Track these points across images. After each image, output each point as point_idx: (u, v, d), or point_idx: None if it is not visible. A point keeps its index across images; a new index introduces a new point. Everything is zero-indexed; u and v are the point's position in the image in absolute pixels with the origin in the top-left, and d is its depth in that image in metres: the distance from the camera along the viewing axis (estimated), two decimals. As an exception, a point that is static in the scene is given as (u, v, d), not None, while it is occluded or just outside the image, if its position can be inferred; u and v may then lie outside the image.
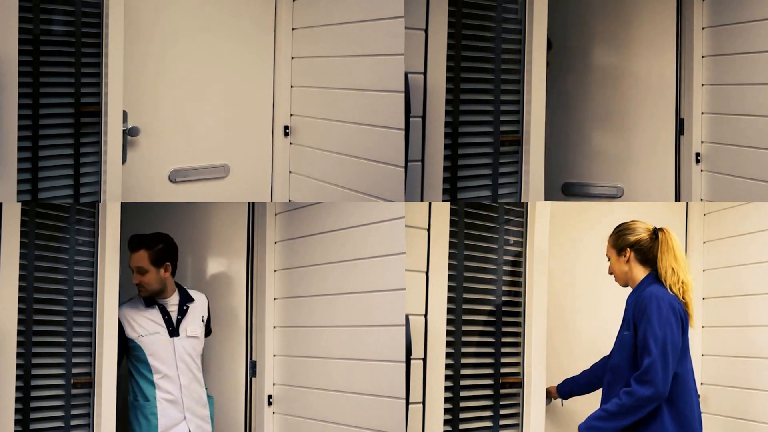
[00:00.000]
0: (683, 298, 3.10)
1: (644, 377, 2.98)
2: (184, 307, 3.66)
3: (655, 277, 3.15)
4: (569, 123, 4.02)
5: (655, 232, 3.21)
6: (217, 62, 4.02)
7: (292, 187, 4.24)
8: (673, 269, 3.12)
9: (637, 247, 3.19)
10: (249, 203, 4.04)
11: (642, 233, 3.21)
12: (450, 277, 3.28)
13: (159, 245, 3.57)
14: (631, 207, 3.77)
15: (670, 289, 3.10)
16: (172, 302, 3.64)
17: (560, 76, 3.99)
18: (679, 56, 4.12)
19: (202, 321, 3.72)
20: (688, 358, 3.10)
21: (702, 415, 3.90)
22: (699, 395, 3.15)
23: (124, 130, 3.65)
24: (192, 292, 3.73)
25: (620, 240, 3.23)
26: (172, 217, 3.82)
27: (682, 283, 3.11)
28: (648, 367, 2.98)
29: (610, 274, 3.29)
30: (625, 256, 3.20)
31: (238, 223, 4.02)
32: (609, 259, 3.29)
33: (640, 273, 3.18)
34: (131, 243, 3.57)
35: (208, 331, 3.80)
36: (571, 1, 3.99)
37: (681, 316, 3.04)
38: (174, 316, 3.63)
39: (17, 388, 3.07)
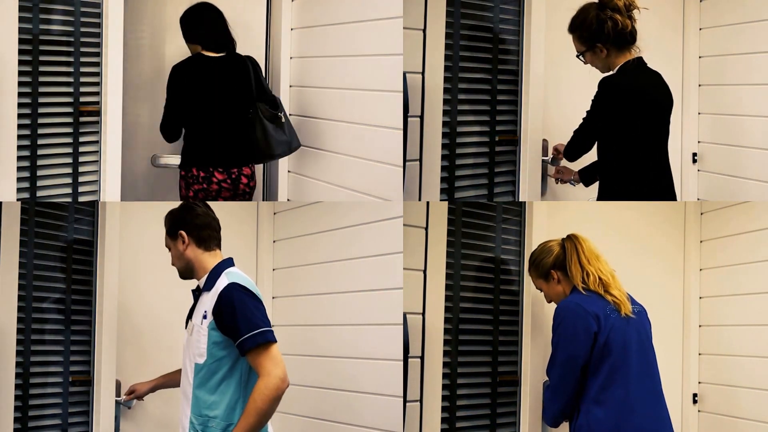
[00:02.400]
0: (606, 293, 3.06)
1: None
2: (199, 294, 2.93)
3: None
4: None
5: (563, 243, 3.19)
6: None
7: (291, 187, 4.24)
8: (587, 271, 3.09)
9: (558, 265, 3.16)
10: (257, 203, 4.05)
11: (556, 249, 3.18)
12: (448, 276, 3.29)
13: (169, 216, 2.99)
14: (630, 207, 3.76)
15: (590, 291, 3.07)
16: (200, 286, 2.94)
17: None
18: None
19: (203, 316, 2.81)
20: (631, 348, 3.02)
21: (699, 413, 3.93)
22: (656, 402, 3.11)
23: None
24: (227, 274, 2.85)
25: (541, 266, 3.20)
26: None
27: (600, 280, 3.08)
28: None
29: (550, 302, 3.27)
30: (554, 278, 3.18)
31: (245, 222, 4.04)
32: (541, 290, 3.27)
33: (569, 288, 3.17)
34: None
35: (232, 335, 2.74)
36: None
37: (594, 331, 2.98)
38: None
39: (16, 386, 3.08)
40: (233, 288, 2.77)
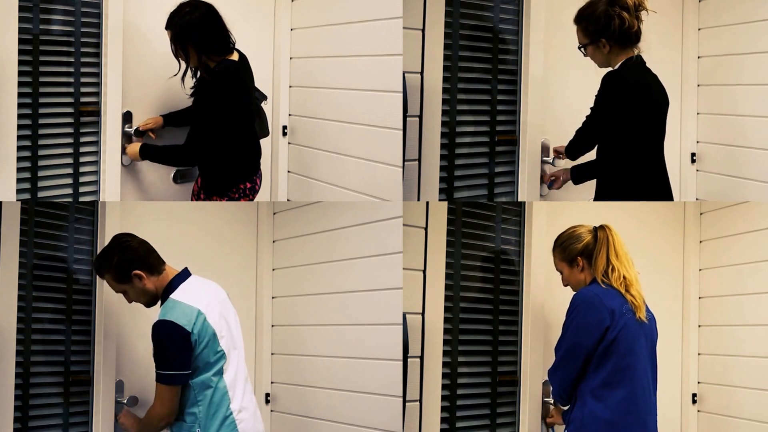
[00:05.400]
0: (626, 292, 3.07)
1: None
2: None
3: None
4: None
5: (595, 231, 3.19)
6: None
7: (291, 187, 4.25)
8: (613, 266, 3.09)
9: (586, 253, 3.16)
10: (257, 203, 4.05)
11: (586, 237, 3.17)
12: (447, 276, 3.29)
13: (114, 259, 3.03)
14: (629, 207, 3.78)
15: (611, 286, 3.07)
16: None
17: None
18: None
19: None
20: (638, 352, 3.03)
21: (698, 413, 3.94)
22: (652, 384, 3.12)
23: (128, 131, 3.65)
24: (167, 303, 3.02)
25: (568, 251, 3.19)
26: (177, 216, 3.81)
27: (624, 278, 3.08)
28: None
29: (566, 285, 3.26)
30: (578, 265, 3.17)
31: (245, 222, 4.04)
32: (561, 273, 3.25)
33: (590, 277, 3.17)
34: (96, 269, 3.15)
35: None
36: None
37: (606, 325, 2.99)
38: None
39: (16, 386, 3.08)
40: (157, 327, 2.95)
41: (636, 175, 3.28)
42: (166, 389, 2.95)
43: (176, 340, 2.92)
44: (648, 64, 3.31)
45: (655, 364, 3.14)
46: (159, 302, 3.08)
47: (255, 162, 3.62)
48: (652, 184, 3.34)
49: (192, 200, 3.65)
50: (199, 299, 3.02)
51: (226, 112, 3.40)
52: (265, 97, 3.90)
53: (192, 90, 3.47)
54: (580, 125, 3.47)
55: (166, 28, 3.40)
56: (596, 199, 3.42)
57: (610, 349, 2.99)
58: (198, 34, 3.35)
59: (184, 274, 3.11)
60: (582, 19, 3.28)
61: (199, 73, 3.46)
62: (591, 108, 3.34)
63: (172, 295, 3.02)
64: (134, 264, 3.03)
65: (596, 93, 3.29)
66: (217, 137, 3.42)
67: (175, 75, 3.46)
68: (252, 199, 3.61)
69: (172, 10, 3.39)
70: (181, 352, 2.93)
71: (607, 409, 2.98)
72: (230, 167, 3.52)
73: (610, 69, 3.29)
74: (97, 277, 3.35)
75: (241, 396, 3.06)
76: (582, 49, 3.31)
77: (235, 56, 3.47)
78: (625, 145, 3.24)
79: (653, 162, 3.32)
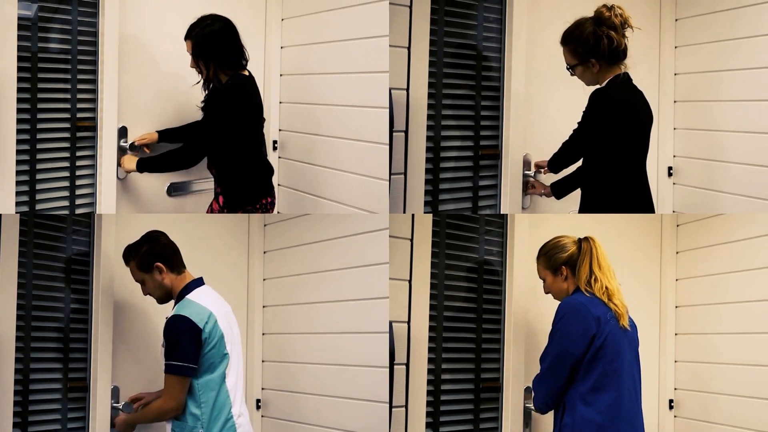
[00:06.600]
0: (609, 301, 3.06)
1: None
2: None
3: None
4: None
5: (579, 242, 3.20)
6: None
7: (281, 199, 4.27)
8: (596, 277, 3.09)
9: (570, 263, 3.14)
10: (248, 215, 4.07)
11: (571, 247, 3.16)
12: (432, 286, 3.31)
13: (143, 248, 3.19)
14: (608, 219, 3.81)
15: (594, 295, 3.06)
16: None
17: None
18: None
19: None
20: (623, 358, 3.03)
21: (675, 419, 3.98)
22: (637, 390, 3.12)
23: (123, 146, 3.69)
24: (182, 302, 3.15)
25: (553, 260, 3.17)
26: (170, 228, 3.84)
27: (606, 288, 3.08)
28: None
29: (548, 293, 3.25)
30: (562, 274, 3.16)
31: (236, 234, 4.08)
32: (544, 281, 3.23)
33: (573, 286, 3.16)
34: (123, 256, 3.25)
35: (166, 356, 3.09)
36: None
37: (593, 333, 2.98)
38: None
39: (16, 392, 3.10)
40: (171, 320, 3.07)
41: (621, 188, 3.31)
42: (175, 380, 3.04)
43: (188, 334, 3.04)
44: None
45: (639, 369, 3.14)
46: (173, 302, 3.20)
47: (270, 178, 3.72)
48: (635, 198, 3.36)
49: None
50: (211, 303, 3.15)
51: (235, 125, 3.46)
52: (263, 120, 3.97)
53: (203, 102, 3.53)
54: (566, 139, 3.52)
55: (186, 38, 3.47)
56: (581, 211, 3.46)
57: (597, 355, 2.98)
58: (216, 46, 3.43)
59: (199, 282, 3.24)
60: (570, 41, 3.27)
61: (211, 86, 3.51)
62: (578, 123, 3.36)
63: (188, 296, 3.15)
64: (158, 256, 3.18)
65: (584, 110, 3.31)
66: (225, 148, 3.48)
67: (197, 83, 3.52)
68: (271, 212, 3.70)
69: (192, 21, 3.46)
70: (192, 346, 3.04)
71: (597, 413, 2.97)
72: (253, 183, 3.60)
73: (597, 87, 3.31)
74: (93, 285, 3.40)
75: (240, 402, 3.16)
76: (570, 69, 3.32)
77: (246, 73, 3.54)
78: (611, 160, 3.27)
79: (637, 176, 3.35)
